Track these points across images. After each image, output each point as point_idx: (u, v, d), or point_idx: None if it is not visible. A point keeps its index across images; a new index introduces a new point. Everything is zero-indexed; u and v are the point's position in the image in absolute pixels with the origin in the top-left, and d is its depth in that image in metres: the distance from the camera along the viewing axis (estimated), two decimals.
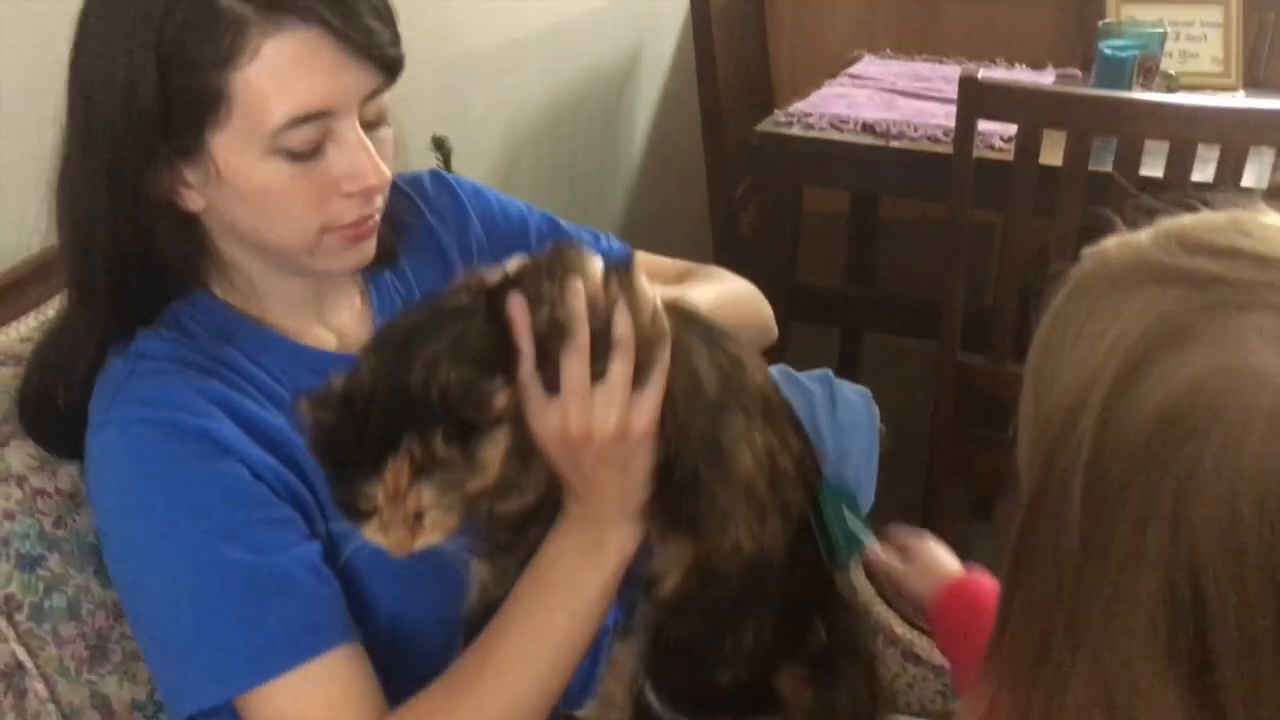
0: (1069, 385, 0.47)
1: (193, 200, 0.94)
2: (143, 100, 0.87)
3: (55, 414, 0.99)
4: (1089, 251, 0.51)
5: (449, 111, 2.04)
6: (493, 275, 0.90)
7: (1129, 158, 1.83)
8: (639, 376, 0.88)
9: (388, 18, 0.92)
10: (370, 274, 1.10)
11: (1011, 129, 1.93)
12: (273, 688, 0.90)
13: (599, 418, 0.87)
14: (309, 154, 0.90)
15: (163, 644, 0.93)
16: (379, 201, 0.96)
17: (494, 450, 0.83)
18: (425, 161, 1.78)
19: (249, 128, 0.88)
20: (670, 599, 0.96)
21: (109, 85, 0.88)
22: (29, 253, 1.18)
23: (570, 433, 0.87)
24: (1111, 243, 0.50)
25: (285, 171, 0.90)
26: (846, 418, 1.28)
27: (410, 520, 0.81)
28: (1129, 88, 2.24)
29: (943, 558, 1.06)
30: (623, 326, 0.87)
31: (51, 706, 0.98)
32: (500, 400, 0.82)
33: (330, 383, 0.84)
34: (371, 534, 0.82)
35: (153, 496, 0.91)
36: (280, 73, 0.87)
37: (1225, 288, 0.44)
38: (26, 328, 1.15)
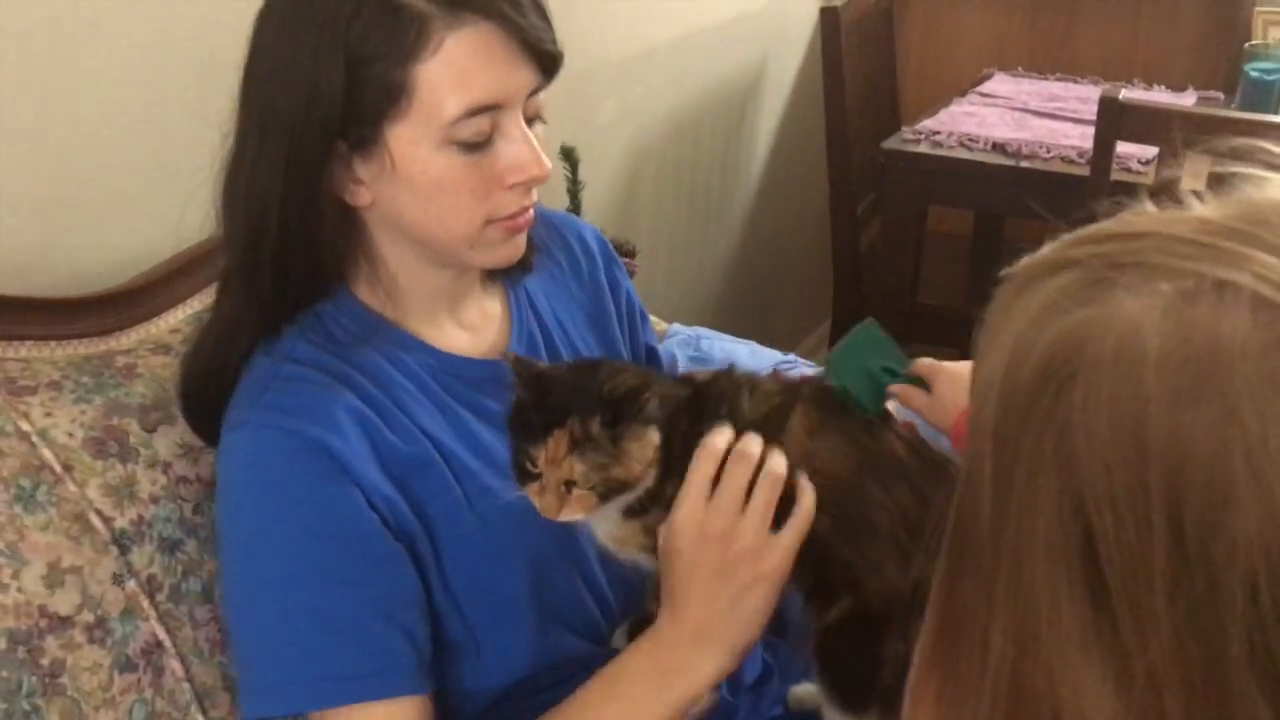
0: (979, 384, 0.50)
1: (361, 196, 0.97)
2: (327, 96, 0.91)
3: (211, 404, 1.02)
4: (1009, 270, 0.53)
5: (576, 121, 2.06)
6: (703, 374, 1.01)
7: None
8: (780, 518, 0.92)
9: (547, 17, 0.97)
10: (510, 281, 1.13)
11: (1151, 151, 1.88)
12: (332, 714, 0.93)
13: (741, 526, 0.90)
14: (479, 145, 0.94)
15: (240, 643, 0.97)
16: (535, 195, 1.00)
17: (638, 446, 0.92)
18: (554, 171, 1.80)
19: (426, 118, 0.92)
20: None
21: (292, 84, 0.92)
22: (179, 248, 1.23)
23: (710, 528, 0.90)
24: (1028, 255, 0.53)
25: (457, 162, 0.94)
26: None
27: (561, 489, 0.92)
28: (1275, 111, 2.16)
29: (958, 388, 1.07)
30: (778, 464, 0.92)
31: (186, 685, 1.02)
32: (653, 406, 0.92)
33: (536, 363, 0.99)
34: (533, 494, 0.93)
35: (265, 505, 0.95)
36: (459, 66, 0.91)
37: (1102, 263, 0.47)
38: (175, 319, 1.20)
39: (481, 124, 0.93)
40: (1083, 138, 2.22)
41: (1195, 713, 0.44)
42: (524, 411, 0.95)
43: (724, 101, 2.65)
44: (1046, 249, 0.52)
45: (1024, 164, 2.22)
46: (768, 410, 0.97)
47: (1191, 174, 1.84)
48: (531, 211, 1.01)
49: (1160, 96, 2.65)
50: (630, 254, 1.89)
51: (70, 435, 1.02)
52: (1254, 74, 2.23)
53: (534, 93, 0.97)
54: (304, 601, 0.93)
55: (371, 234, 1.02)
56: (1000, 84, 2.77)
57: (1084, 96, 2.56)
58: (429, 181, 0.95)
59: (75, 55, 1.16)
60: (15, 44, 1.11)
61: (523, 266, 1.10)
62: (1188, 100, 2.59)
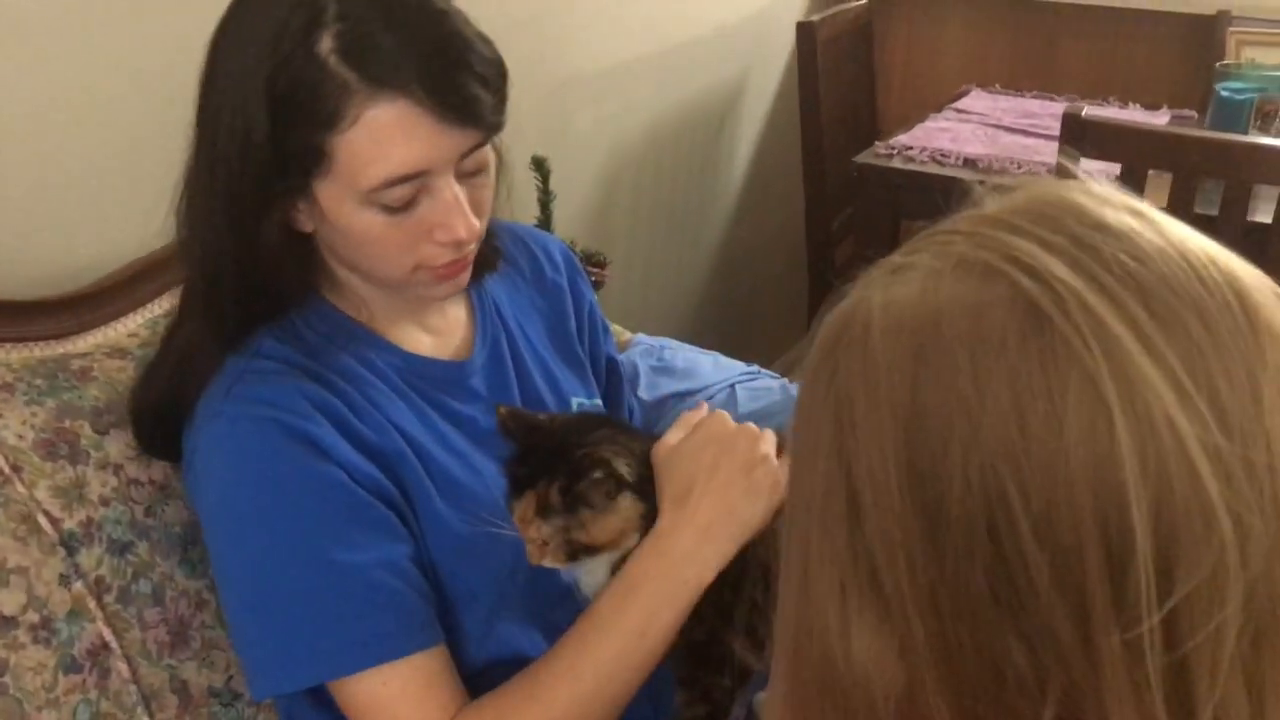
0: None
1: (305, 224, 0.99)
2: (257, 145, 0.92)
3: (168, 425, 1.04)
4: None
5: (550, 133, 2.07)
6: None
7: (1237, 201, 1.78)
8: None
9: (494, 83, 0.94)
10: (474, 286, 1.15)
11: (1115, 168, 1.90)
12: (354, 680, 0.94)
13: (765, 436, 1.02)
14: (403, 207, 0.94)
15: (248, 628, 0.98)
16: (473, 245, 1.00)
17: (602, 515, 0.98)
18: (524, 181, 1.81)
19: (347, 183, 0.93)
20: None
21: (230, 126, 0.93)
22: (142, 253, 1.24)
23: (745, 431, 1.01)
24: None
25: (380, 221, 0.95)
26: None
27: (540, 541, 0.98)
28: (1245, 131, 2.18)
29: None
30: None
31: (133, 687, 1.03)
32: (613, 495, 0.99)
33: (528, 416, 1.05)
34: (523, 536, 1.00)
35: (253, 489, 0.96)
36: (377, 139, 0.90)
37: (902, 253, 0.53)
38: (134, 324, 1.21)
39: (403, 191, 0.93)
40: (1053, 154, 2.24)
41: (948, 644, 0.48)
42: (513, 464, 1.01)
43: (702, 115, 2.67)
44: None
45: (994, 179, 2.23)
46: None
47: (1154, 189, 1.86)
48: (469, 258, 1.01)
49: (1134, 115, 2.67)
50: (601, 265, 1.91)
51: (20, 437, 1.02)
52: (1224, 93, 2.25)
53: (471, 150, 0.95)
54: (311, 575, 0.94)
55: (325, 255, 1.04)
56: (976, 100, 2.79)
57: (1058, 114, 2.57)
58: (355, 234, 0.96)
59: (40, 60, 1.17)
60: None
61: (487, 267, 1.12)
62: (1161, 119, 2.61)
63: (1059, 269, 0.47)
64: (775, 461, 1.01)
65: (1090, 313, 0.46)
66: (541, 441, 1.01)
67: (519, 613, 1.08)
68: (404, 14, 0.91)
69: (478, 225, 0.98)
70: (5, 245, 1.18)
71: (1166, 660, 0.45)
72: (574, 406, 1.19)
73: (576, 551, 0.99)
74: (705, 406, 1.05)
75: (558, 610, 1.11)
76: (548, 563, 1.00)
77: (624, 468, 0.99)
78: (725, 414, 1.03)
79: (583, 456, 0.98)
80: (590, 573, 1.03)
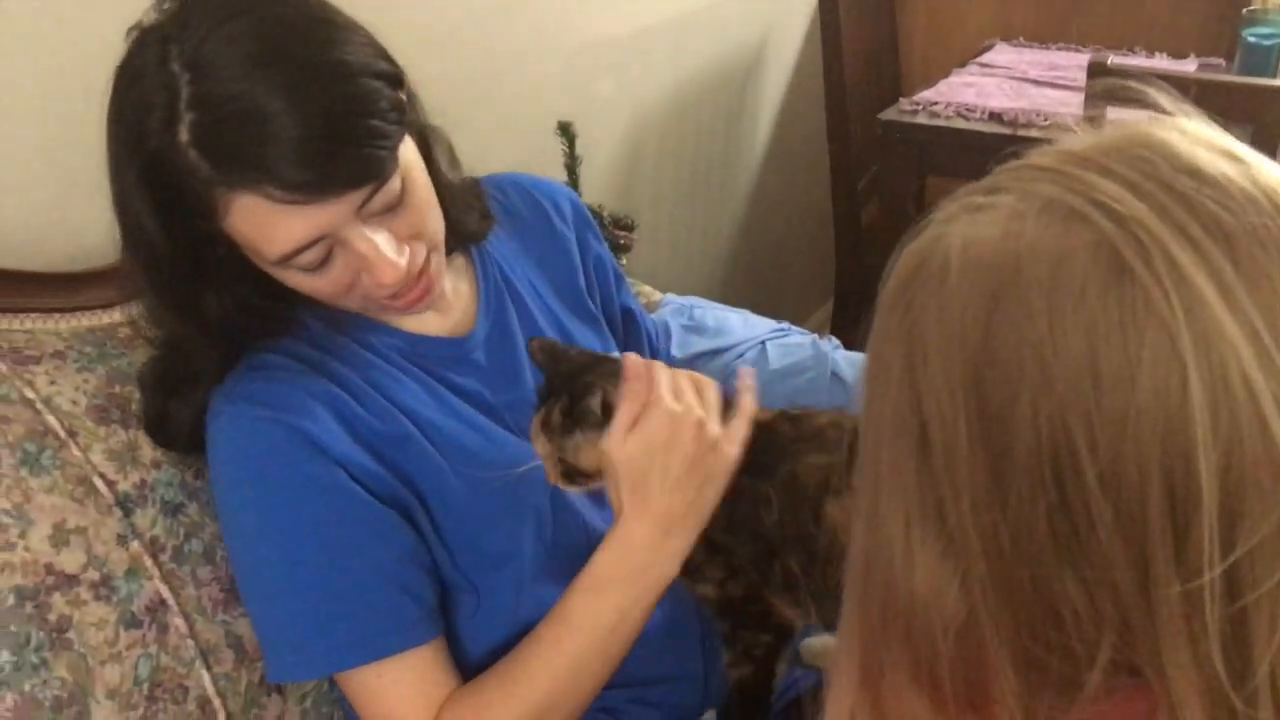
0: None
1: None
2: (154, 241, 0.91)
3: (179, 432, 1.06)
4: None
5: (574, 98, 2.08)
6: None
7: (1265, 146, 1.77)
8: (726, 416, 1.00)
9: (383, 128, 0.88)
10: (478, 255, 1.16)
11: (1142, 116, 1.89)
12: (352, 674, 0.98)
13: (706, 423, 0.97)
14: (321, 264, 0.92)
15: (256, 619, 1.02)
16: (422, 262, 0.97)
17: (585, 442, 0.99)
18: (551, 147, 1.82)
19: (256, 256, 0.92)
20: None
21: (125, 219, 0.92)
22: None
23: (681, 425, 0.96)
24: None
25: (305, 278, 0.94)
26: None
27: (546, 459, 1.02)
28: (1273, 76, 2.16)
29: None
30: (702, 375, 1.03)
31: (190, 642, 1.06)
32: (595, 417, 0.99)
33: (556, 345, 1.08)
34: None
35: (253, 487, 0.99)
36: (256, 224, 0.88)
37: (982, 190, 0.52)
38: None
39: (310, 255, 0.90)
40: (1080, 105, 2.23)
41: (1009, 583, 0.49)
42: (539, 390, 1.05)
43: (725, 76, 2.67)
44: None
45: (1021, 132, 2.23)
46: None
47: None
48: (426, 280, 0.98)
49: (1160, 63, 2.65)
50: (629, 228, 1.92)
51: (74, 402, 1.05)
52: (1251, 39, 2.23)
53: (369, 199, 0.89)
54: (307, 577, 0.97)
55: None
56: (1001, 54, 2.78)
57: (1084, 65, 2.56)
58: (292, 286, 0.96)
59: (79, 32, 1.19)
60: (18, 22, 1.14)
61: (475, 238, 1.13)
62: (1189, 67, 2.59)
63: (1146, 216, 0.47)
64: (722, 439, 0.98)
65: (1174, 265, 0.46)
66: (564, 369, 1.04)
67: (553, 572, 1.09)
68: (265, 87, 0.84)
69: (404, 262, 0.94)
70: (47, 220, 1.20)
71: (1226, 611, 0.46)
72: None
73: (572, 474, 1.01)
74: (633, 379, 0.98)
75: (573, 566, 1.13)
76: (552, 481, 1.02)
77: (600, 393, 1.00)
78: (665, 396, 0.97)
79: (586, 383, 1.00)
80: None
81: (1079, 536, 0.47)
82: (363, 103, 0.87)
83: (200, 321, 0.98)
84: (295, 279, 0.94)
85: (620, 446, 0.97)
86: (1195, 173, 0.48)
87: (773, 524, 0.99)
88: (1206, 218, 0.47)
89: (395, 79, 0.92)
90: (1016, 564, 0.48)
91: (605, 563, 1.00)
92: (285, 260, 0.90)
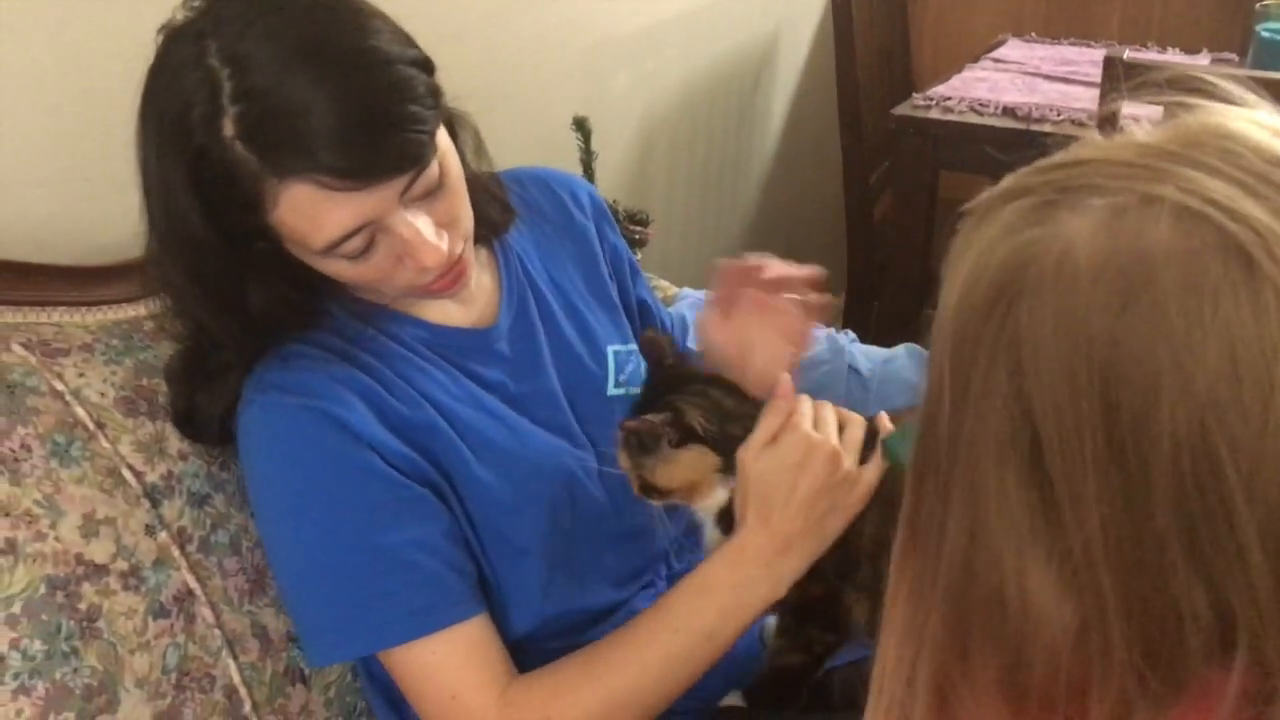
0: (940, 309, 0.54)
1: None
2: (199, 235, 0.92)
3: (211, 425, 1.07)
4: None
5: (589, 93, 2.09)
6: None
7: None
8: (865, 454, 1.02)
9: (421, 115, 0.89)
10: (499, 248, 1.17)
11: (1157, 111, 1.89)
12: (403, 650, 0.99)
13: (846, 454, 1.00)
14: (364, 251, 0.93)
15: (295, 604, 1.02)
16: (460, 249, 0.99)
17: (659, 462, 1.02)
18: (566, 142, 1.83)
19: (299, 247, 0.94)
20: None
21: (169, 217, 0.93)
22: None
23: (821, 449, 0.99)
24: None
25: (347, 267, 0.95)
26: None
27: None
28: None
29: None
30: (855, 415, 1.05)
31: (217, 632, 1.07)
32: (678, 443, 1.02)
33: (665, 349, 1.10)
34: None
35: (289, 473, 1.00)
36: (304, 214, 0.89)
37: (1051, 189, 0.51)
38: None
39: (355, 242, 0.92)
40: (1093, 100, 2.23)
41: (1131, 590, 0.48)
42: (639, 393, 1.09)
43: (737, 71, 2.67)
44: (1004, 181, 0.56)
45: (1034, 127, 2.23)
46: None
47: None
48: (462, 266, 1.00)
49: (1174, 59, 2.65)
50: (644, 223, 1.93)
51: (102, 394, 1.07)
52: (1265, 34, 2.23)
53: (411, 183, 0.91)
54: (349, 557, 0.98)
55: None
56: (1013, 49, 2.78)
57: (1097, 60, 2.55)
58: (332, 274, 0.97)
59: (95, 29, 1.20)
60: (36, 20, 1.16)
61: (497, 231, 1.14)
62: (1201, 62, 2.59)
63: (1256, 210, 0.46)
64: (856, 474, 1.00)
65: None
66: (659, 380, 1.08)
67: (577, 565, 1.11)
68: (316, 67, 0.86)
69: (445, 247, 0.96)
70: (73, 215, 1.21)
71: None
72: (609, 356, 1.20)
73: (648, 490, 1.03)
74: (785, 399, 1.02)
75: (615, 556, 1.14)
76: (638, 494, 1.05)
77: (697, 420, 1.01)
78: (806, 419, 1.00)
79: (666, 402, 1.02)
80: (708, 527, 1.08)
81: (1218, 544, 0.46)
82: (401, 89, 0.89)
83: (241, 316, 0.99)
84: (337, 267, 0.95)
85: (754, 459, 0.99)
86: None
87: (869, 537, 1.01)
88: None
89: (427, 65, 0.94)
90: (1143, 577, 0.48)
91: (716, 567, 1.01)
92: (331, 248, 0.92)
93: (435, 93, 0.93)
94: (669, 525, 1.11)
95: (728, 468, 1.03)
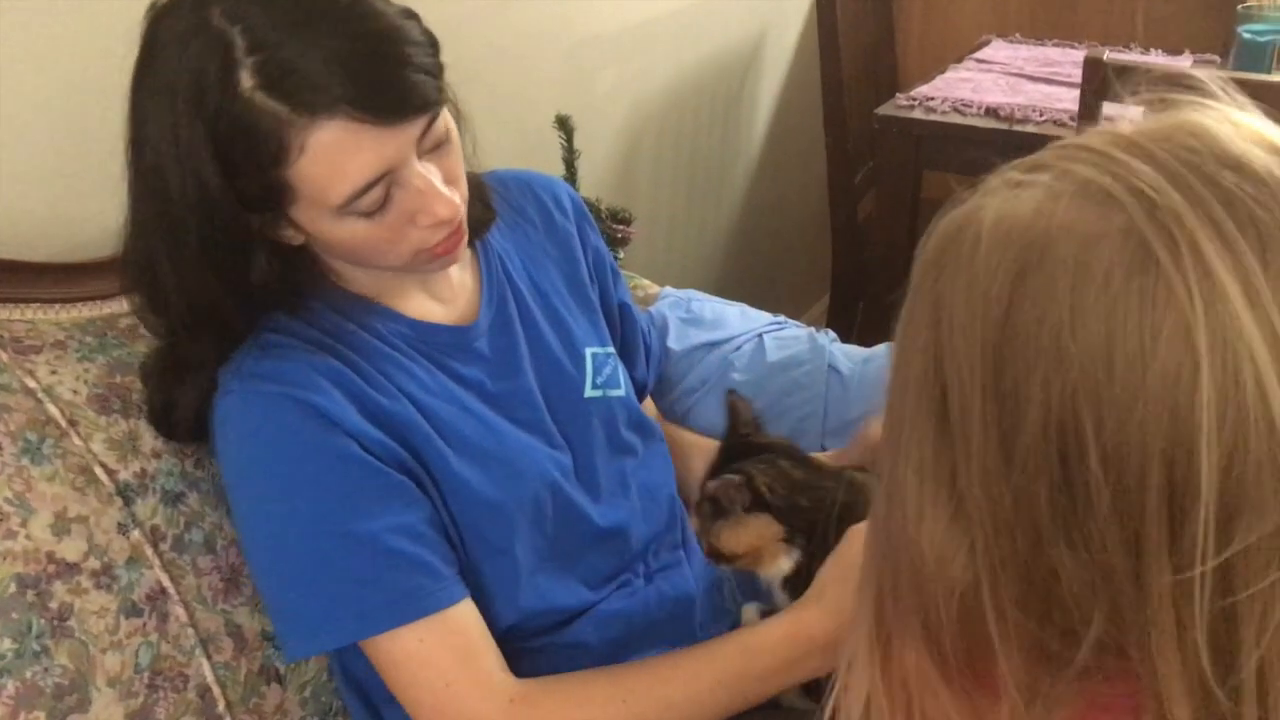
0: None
1: (294, 239, 0.99)
2: (216, 197, 0.91)
3: (184, 422, 1.07)
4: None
5: (573, 92, 2.08)
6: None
7: None
8: None
9: (428, 62, 0.92)
10: (481, 248, 1.17)
11: (1137, 112, 1.89)
12: (387, 639, 0.98)
13: None
14: (380, 207, 0.94)
15: (273, 596, 1.01)
16: (462, 210, 1.01)
17: (725, 526, 1.06)
18: (549, 140, 1.83)
19: (316, 204, 0.93)
20: None
21: (181, 184, 0.91)
22: None
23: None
24: None
25: (362, 226, 0.95)
26: None
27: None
28: (1268, 72, 2.17)
29: None
30: None
31: (190, 631, 1.07)
32: (748, 508, 1.05)
33: (746, 414, 1.17)
34: None
35: (268, 462, 0.99)
36: (329, 160, 0.90)
37: (1025, 167, 0.53)
38: None
39: (374, 194, 0.93)
40: (1075, 101, 2.23)
41: (1014, 549, 0.50)
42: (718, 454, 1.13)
43: (723, 71, 2.67)
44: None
45: (1017, 128, 2.23)
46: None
47: None
48: (462, 228, 1.01)
49: (1156, 60, 2.66)
50: (626, 222, 1.92)
51: (75, 392, 1.06)
52: (1247, 35, 2.23)
53: (425, 131, 0.94)
54: (329, 544, 0.97)
55: (322, 257, 1.05)
56: (997, 50, 2.79)
57: (1079, 61, 2.57)
58: (344, 242, 0.97)
59: (80, 28, 1.19)
60: (19, 16, 1.15)
61: (479, 231, 1.14)
62: (1183, 63, 2.60)
63: (1180, 207, 0.47)
64: None
65: (1200, 259, 0.45)
66: (731, 446, 1.11)
67: (553, 564, 1.10)
68: (316, 23, 0.88)
69: (456, 199, 0.98)
70: (49, 212, 1.21)
71: (1216, 606, 0.46)
72: (588, 358, 1.20)
73: (716, 554, 1.06)
74: None
75: (593, 556, 1.14)
76: (706, 557, 1.10)
77: (764, 487, 1.03)
78: None
79: (735, 468, 1.04)
80: (775, 590, 1.10)
81: (1078, 514, 0.48)
82: (399, 34, 0.91)
83: (240, 289, 0.99)
84: (352, 228, 0.95)
85: (858, 538, 0.98)
86: (1239, 167, 0.48)
87: None
88: (1243, 215, 0.46)
89: (417, 18, 0.95)
90: (1018, 535, 0.49)
91: (775, 634, 1.03)
92: (352, 199, 0.92)
93: (433, 42, 0.95)
94: (735, 589, 1.16)
95: (792, 538, 1.05)
